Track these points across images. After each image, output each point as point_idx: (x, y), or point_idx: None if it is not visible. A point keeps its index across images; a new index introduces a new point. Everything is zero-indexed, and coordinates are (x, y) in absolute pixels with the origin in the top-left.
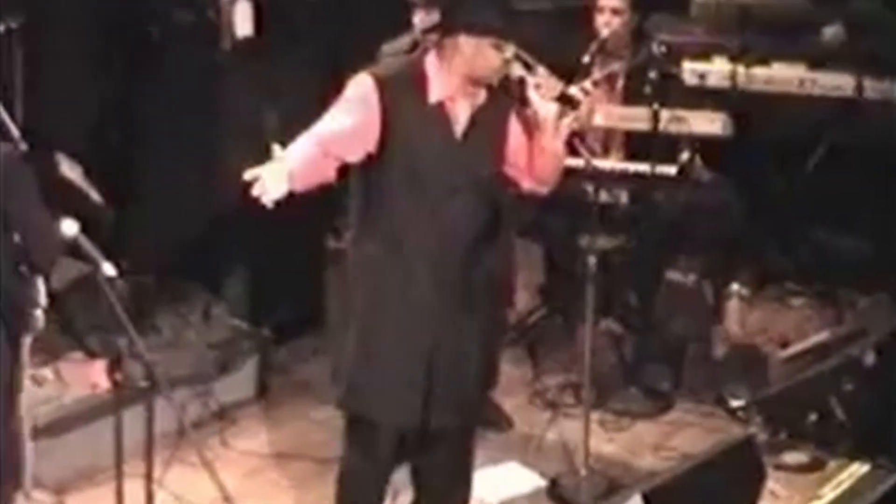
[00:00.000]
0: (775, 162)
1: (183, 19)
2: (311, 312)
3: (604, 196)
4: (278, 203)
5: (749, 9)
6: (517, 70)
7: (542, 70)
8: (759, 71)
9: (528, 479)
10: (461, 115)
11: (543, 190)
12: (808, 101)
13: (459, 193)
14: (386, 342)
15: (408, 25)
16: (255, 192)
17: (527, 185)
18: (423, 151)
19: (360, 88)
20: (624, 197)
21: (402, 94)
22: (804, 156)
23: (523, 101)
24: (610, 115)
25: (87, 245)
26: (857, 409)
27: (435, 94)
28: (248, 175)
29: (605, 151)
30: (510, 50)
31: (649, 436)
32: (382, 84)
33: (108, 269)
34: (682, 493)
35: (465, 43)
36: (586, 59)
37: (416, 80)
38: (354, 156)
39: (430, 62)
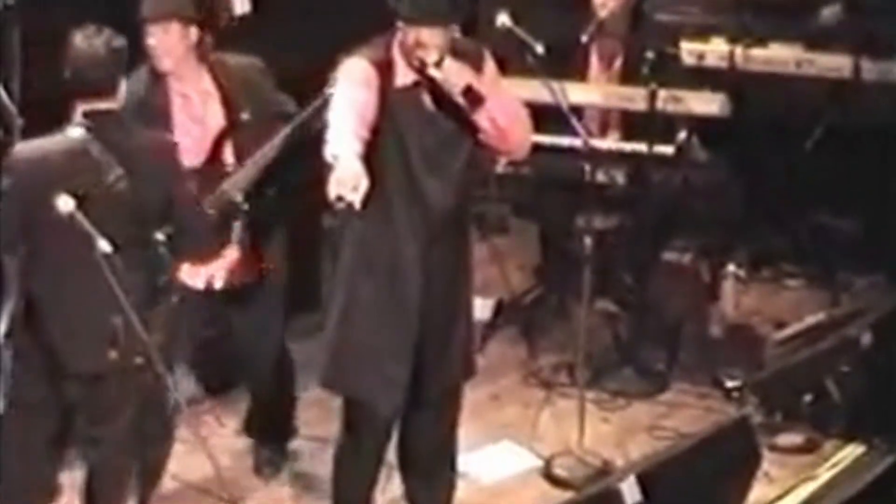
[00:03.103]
0: (772, 142)
1: None
2: (306, 292)
3: (600, 176)
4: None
5: None
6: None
7: (449, 63)
8: (757, 51)
9: (522, 459)
10: (430, 99)
11: (517, 154)
12: (805, 81)
13: (439, 168)
14: (373, 317)
15: None
16: (343, 200)
17: (503, 150)
18: (405, 131)
19: (362, 72)
20: (621, 177)
21: (384, 77)
22: (801, 136)
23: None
24: (608, 94)
25: (84, 222)
26: (852, 390)
27: (400, 79)
28: (332, 193)
29: (603, 131)
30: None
31: (644, 416)
32: (375, 66)
33: (104, 245)
34: (676, 473)
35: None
36: (584, 38)
37: (386, 64)
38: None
39: (396, 48)
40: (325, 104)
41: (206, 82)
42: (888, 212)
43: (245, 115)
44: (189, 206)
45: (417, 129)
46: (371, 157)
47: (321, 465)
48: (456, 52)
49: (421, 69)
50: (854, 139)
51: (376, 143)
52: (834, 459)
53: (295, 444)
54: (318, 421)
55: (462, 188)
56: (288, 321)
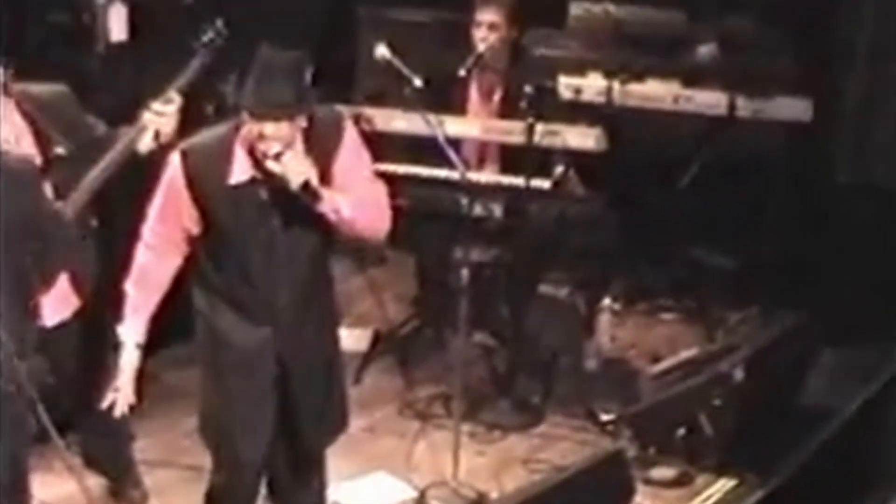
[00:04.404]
0: (649, 178)
1: (58, 21)
2: (180, 322)
3: (478, 208)
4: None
5: (624, 25)
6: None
7: (289, 157)
8: (634, 87)
9: (396, 490)
10: (267, 191)
11: (370, 241)
12: (682, 117)
13: (287, 250)
14: (231, 396)
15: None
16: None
17: (351, 236)
18: (240, 224)
19: (168, 171)
20: (498, 210)
21: (208, 173)
22: (677, 172)
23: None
24: (486, 127)
25: None
26: (724, 424)
27: (235, 176)
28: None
29: (480, 164)
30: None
31: (519, 448)
32: (189, 163)
33: None
34: None
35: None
36: (462, 72)
37: (223, 157)
38: (183, 237)
39: (240, 140)
40: (143, 130)
41: (16, 118)
42: (762, 248)
43: (60, 150)
44: (53, 222)
45: (256, 220)
46: (206, 245)
47: (193, 494)
48: (310, 129)
49: (260, 161)
50: (729, 175)
51: (204, 237)
52: (706, 493)
53: (168, 473)
54: (192, 451)
55: (318, 259)
56: (161, 351)
